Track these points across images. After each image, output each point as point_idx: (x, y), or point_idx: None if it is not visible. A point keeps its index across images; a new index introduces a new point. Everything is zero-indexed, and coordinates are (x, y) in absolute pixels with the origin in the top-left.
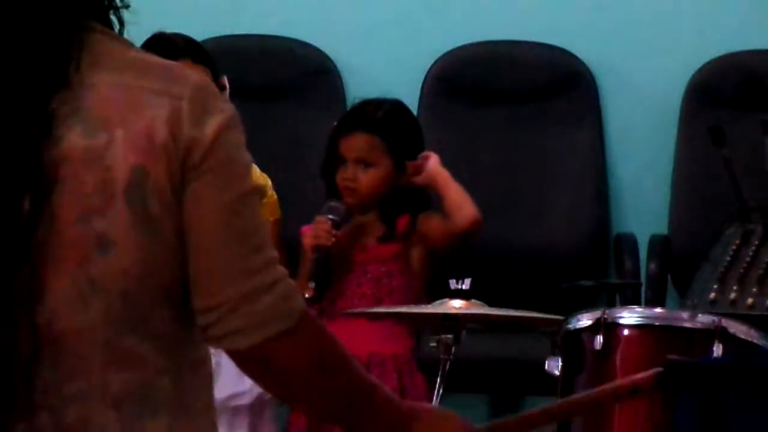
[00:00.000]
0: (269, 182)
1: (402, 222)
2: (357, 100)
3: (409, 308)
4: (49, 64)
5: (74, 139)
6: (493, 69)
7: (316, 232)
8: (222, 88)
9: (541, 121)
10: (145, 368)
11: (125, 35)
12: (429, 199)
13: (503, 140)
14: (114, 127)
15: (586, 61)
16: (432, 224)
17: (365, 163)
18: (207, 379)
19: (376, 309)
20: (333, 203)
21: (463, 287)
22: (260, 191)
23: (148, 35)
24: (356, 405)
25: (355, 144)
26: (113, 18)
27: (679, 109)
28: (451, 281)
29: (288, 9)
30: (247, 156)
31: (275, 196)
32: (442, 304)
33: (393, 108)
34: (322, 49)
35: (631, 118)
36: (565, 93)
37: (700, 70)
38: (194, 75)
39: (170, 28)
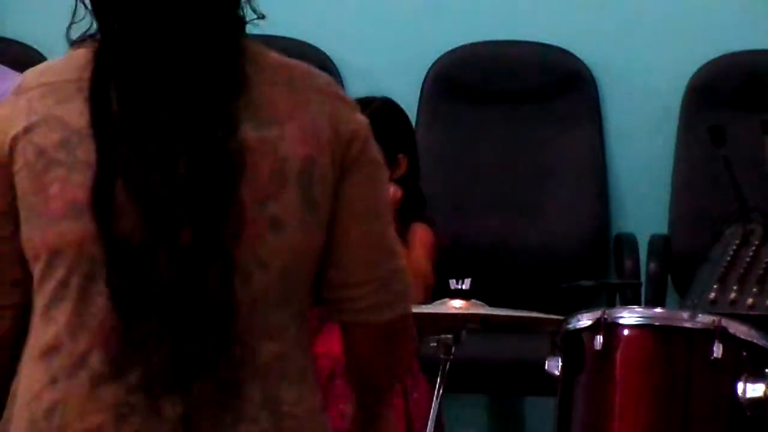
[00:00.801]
0: None
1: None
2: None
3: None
4: (225, 70)
5: (248, 132)
6: (493, 69)
7: None
8: None
9: (541, 121)
10: (285, 340)
11: None
12: (424, 200)
13: (503, 140)
14: (284, 122)
15: (586, 61)
16: (413, 253)
17: None
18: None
19: None
20: None
21: (463, 287)
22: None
23: None
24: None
25: None
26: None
27: (679, 109)
28: (451, 281)
29: (288, 9)
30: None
31: None
32: (442, 304)
33: (380, 106)
34: (322, 49)
35: (631, 118)
36: (565, 93)
37: (700, 70)
38: (322, 73)
39: None
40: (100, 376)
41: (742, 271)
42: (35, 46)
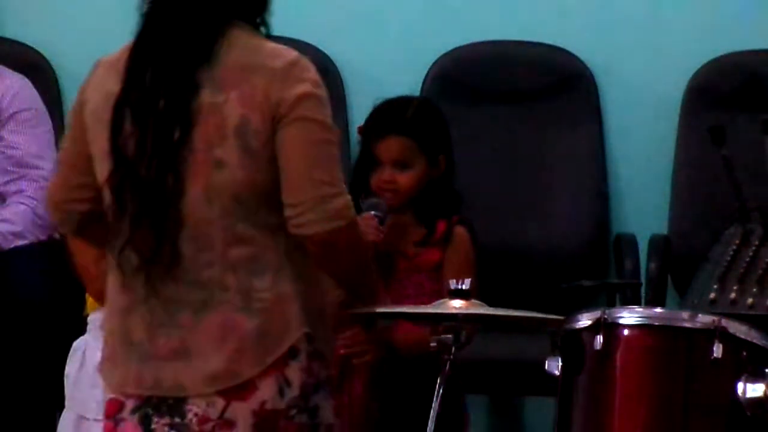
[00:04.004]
0: None
1: (440, 228)
2: (378, 101)
3: (408, 308)
4: (199, 45)
5: (205, 96)
6: (493, 69)
7: (364, 228)
8: None
9: (541, 121)
10: (254, 245)
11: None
12: (460, 198)
13: (503, 140)
14: (230, 90)
15: (586, 61)
16: (452, 258)
17: (402, 165)
18: (306, 256)
19: (378, 309)
20: (374, 200)
21: (463, 287)
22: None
23: None
24: (367, 281)
25: (391, 147)
26: (259, 20)
27: (679, 109)
28: (451, 281)
29: (288, 9)
30: (326, 116)
31: None
32: (442, 304)
33: (421, 106)
34: (322, 49)
35: (631, 118)
36: (565, 93)
37: (700, 70)
38: (293, 53)
39: None
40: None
41: (742, 271)
42: (35, 46)
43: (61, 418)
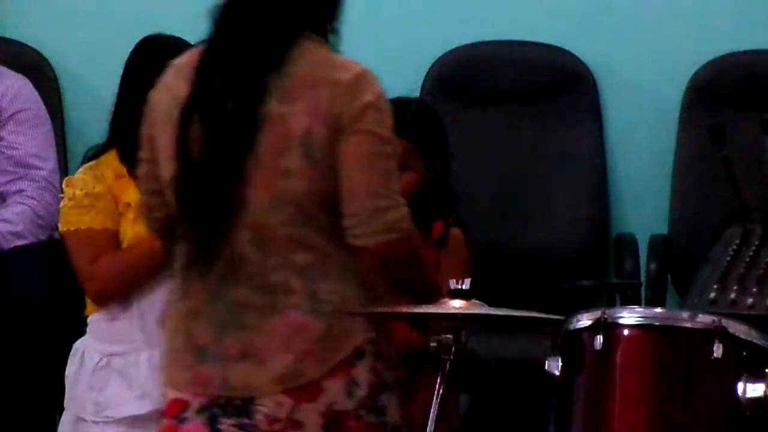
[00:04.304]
0: None
1: (436, 229)
2: None
3: (408, 308)
4: (271, 53)
5: (273, 105)
6: (493, 69)
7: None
8: None
9: (541, 121)
10: (318, 251)
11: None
12: (456, 198)
13: (503, 140)
14: (296, 101)
15: (586, 61)
16: (448, 259)
17: (400, 167)
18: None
19: (376, 309)
20: None
21: (463, 287)
22: (399, 158)
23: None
24: (425, 291)
25: None
26: (329, 30)
27: (679, 109)
28: (451, 281)
29: None
30: (387, 129)
31: None
32: (442, 304)
33: (419, 108)
34: None
35: (631, 118)
36: (565, 93)
37: (700, 70)
38: (359, 67)
39: (173, 29)
40: (191, 266)
41: (742, 271)
42: (35, 46)
43: (62, 419)
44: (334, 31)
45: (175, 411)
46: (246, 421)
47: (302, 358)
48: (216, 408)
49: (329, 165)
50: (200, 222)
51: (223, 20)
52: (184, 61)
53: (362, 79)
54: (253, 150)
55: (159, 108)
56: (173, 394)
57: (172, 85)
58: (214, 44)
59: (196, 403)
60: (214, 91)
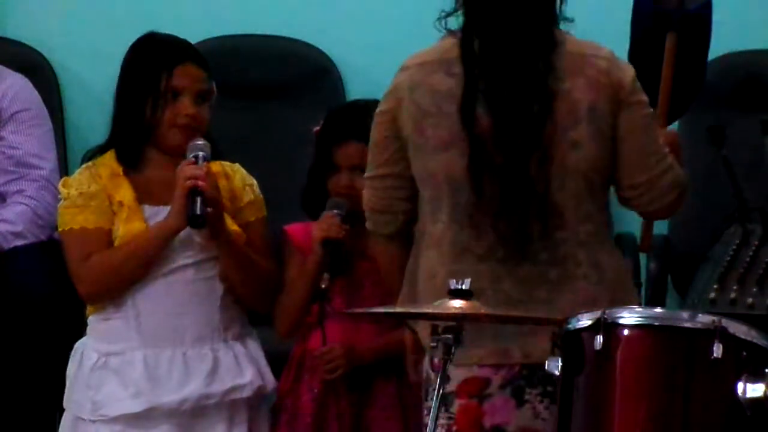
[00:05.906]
0: (254, 182)
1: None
2: (335, 105)
3: (409, 308)
4: (543, 35)
5: (552, 83)
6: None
7: (326, 225)
8: (212, 93)
9: None
10: (596, 222)
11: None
12: None
13: None
14: (574, 77)
15: None
16: None
17: (361, 170)
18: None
19: (375, 309)
20: (336, 200)
21: (463, 287)
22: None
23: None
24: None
25: (349, 153)
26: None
27: None
28: (451, 281)
29: (288, 9)
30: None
31: (260, 196)
32: (442, 304)
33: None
34: (322, 49)
35: None
36: None
37: None
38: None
39: (171, 27)
40: (466, 250)
41: (742, 271)
42: (35, 46)
43: (62, 419)
44: (563, 15)
45: (475, 390)
46: (551, 389)
47: None
48: (521, 380)
49: (611, 136)
50: (498, 202)
51: (480, 12)
52: (433, 58)
53: (613, 53)
54: (545, 125)
55: (412, 108)
56: (467, 374)
57: (423, 81)
58: (472, 36)
59: (497, 378)
60: (495, 76)
